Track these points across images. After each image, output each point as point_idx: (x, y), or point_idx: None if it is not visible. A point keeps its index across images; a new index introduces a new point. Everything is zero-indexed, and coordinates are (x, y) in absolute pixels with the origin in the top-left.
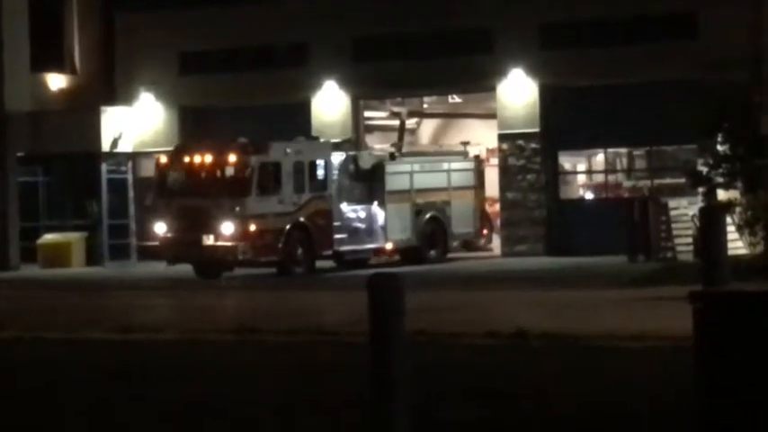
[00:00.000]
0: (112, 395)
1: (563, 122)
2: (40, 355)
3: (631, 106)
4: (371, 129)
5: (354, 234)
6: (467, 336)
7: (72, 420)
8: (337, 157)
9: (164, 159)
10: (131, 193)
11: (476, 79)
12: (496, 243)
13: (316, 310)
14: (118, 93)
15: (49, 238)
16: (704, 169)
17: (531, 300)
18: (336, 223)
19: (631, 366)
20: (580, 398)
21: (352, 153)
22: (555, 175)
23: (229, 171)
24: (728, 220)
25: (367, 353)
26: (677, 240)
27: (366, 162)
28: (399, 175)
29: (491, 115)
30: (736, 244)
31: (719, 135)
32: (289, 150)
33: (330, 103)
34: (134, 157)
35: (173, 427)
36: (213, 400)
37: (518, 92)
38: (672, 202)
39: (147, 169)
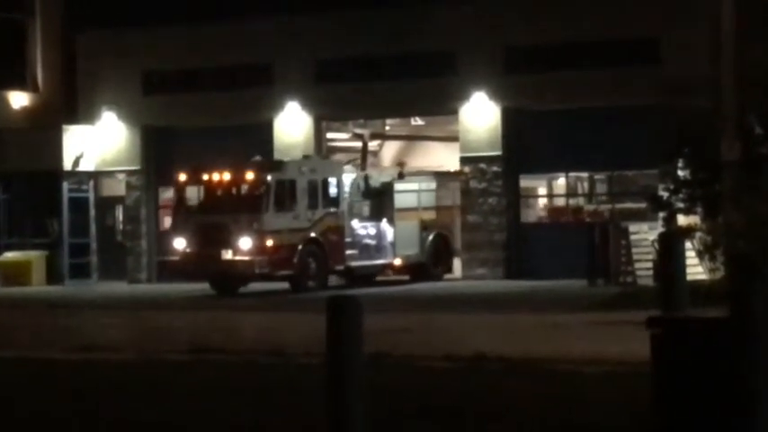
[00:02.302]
0: (66, 414)
1: (525, 146)
2: None
3: (593, 131)
4: (334, 150)
5: (365, 250)
6: (425, 358)
7: None
8: (349, 176)
9: (183, 177)
10: (93, 212)
11: (438, 102)
12: (457, 266)
13: (279, 330)
14: (80, 111)
15: (9, 256)
16: (665, 194)
17: (490, 323)
18: (348, 239)
19: (589, 390)
20: (538, 420)
21: (362, 172)
22: (516, 199)
23: (247, 188)
24: (689, 245)
25: (323, 374)
26: (637, 265)
27: (375, 180)
28: (407, 194)
29: (453, 138)
30: (697, 269)
31: (680, 160)
32: (303, 168)
33: (293, 124)
34: (96, 176)
35: None
36: (166, 419)
37: (480, 115)
38: (632, 227)
39: (109, 188)
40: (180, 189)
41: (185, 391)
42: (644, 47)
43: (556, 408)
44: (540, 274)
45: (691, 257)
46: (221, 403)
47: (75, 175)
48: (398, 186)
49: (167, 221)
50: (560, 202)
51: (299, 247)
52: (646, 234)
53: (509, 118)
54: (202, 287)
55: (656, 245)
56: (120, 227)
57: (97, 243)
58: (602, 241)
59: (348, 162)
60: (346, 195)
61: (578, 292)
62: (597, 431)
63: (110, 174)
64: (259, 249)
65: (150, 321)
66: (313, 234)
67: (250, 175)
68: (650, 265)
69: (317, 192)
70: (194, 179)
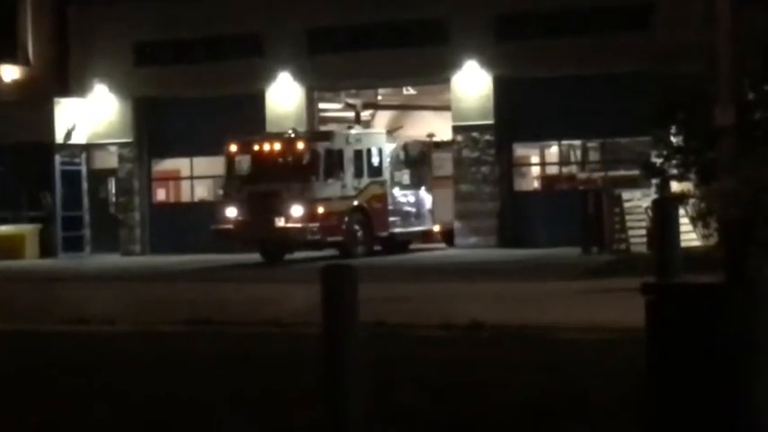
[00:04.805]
0: (62, 387)
1: (517, 114)
2: None
3: (586, 98)
4: (326, 120)
5: (406, 217)
6: (420, 327)
7: (16, 412)
8: (390, 145)
9: (233, 148)
10: (85, 185)
11: (430, 71)
12: None
13: (277, 301)
14: (71, 84)
15: (2, 229)
16: (658, 161)
17: (484, 291)
18: (390, 207)
19: (585, 357)
20: (535, 388)
21: (402, 141)
22: (509, 167)
23: (297, 158)
24: (682, 211)
25: (321, 343)
26: (631, 232)
27: (414, 149)
28: (444, 162)
29: (445, 107)
30: (690, 236)
31: (673, 127)
32: (350, 138)
33: (284, 95)
34: (88, 148)
35: (122, 418)
36: (160, 391)
37: (472, 84)
38: (625, 194)
39: (102, 161)
40: (230, 159)
41: (179, 363)
42: (636, 13)
43: (551, 375)
44: (533, 243)
45: (684, 224)
46: (220, 373)
47: (67, 147)
48: (436, 155)
49: (160, 193)
50: (553, 170)
51: (347, 214)
52: (639, 201)
53: (501, 86)
54: (203, 258)
55: (650, 212)
56: (113, 199)
57: (90, 216)
58: (596, 209)
59: (390, 132)
60: (388, 164)
61: (572, 260)
62: (592, 398)
63: (102, 146)
64: (310, 216)
65: (147, 293)
66: (359, 202)
67: (301, 145)
68: (644, 232)
69: (363, 161)
70: (245, 149)
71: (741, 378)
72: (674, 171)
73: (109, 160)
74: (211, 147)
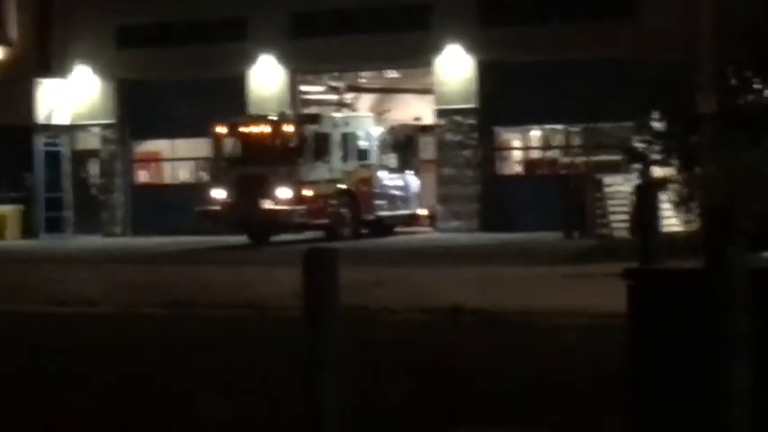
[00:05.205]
0: (42, 368)
1: (500, 99)
2: None
3: (569, 83)
4: (308, 103)
5: (392, 201)
6: (402, 312)
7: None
8: (377, 129)
9: (221, 130)
10: (67, 166)
11: (413, 55)
12: None
13: (256, 285)
14: (53, 65)
15: None
16: (640, 146)
17: (465, 276)
18: (377, 190)
19: (568, 342)
20: (520, 373)
21: (389, 125)
22: (492, 151)
23: (285, 141)
24: (664, 197)
25: (301, 327)
26: (612, 217)
27: (401, 133)
28: (430, 146)
29: (428, 90)
30: (672, 221)
31: (656, 112)
32: (337, 122)
33: (267, 78)
34: (70, 129)
35: (100, 400)
36: (140, 373)
37: (455, 67)
38: (607, 179)
39: (84, 142)
40: (218, 141)
41: (161, 345)
42: None
43: (535, 360)
44: (515, 227)
45: (666, 209)
46: (201, 356)
47: (49, 128)
48: (423, 139)
49: (142, 175)
50: (536, 154)
51: (334, 197)
52: (621, 186)
53: (484, 70)
54: (184, 240)
55: (633, 196)
56: (95, 180)
57: (72, 197)
58: (578, 193)
59: (377, 115)
60: (375, 148)
61: (554, 245)
62: (573, 384)
63: (84, 127)
64: (298, 199)
65: (130, 275)
66: (346, 185)
67: (289, 128)
68: (626, 217)
69: (350, 144)
70: (232, 132)
71: (719, 361)
72: (657, 156)
73: (91, 141)
74: (193, 129)
